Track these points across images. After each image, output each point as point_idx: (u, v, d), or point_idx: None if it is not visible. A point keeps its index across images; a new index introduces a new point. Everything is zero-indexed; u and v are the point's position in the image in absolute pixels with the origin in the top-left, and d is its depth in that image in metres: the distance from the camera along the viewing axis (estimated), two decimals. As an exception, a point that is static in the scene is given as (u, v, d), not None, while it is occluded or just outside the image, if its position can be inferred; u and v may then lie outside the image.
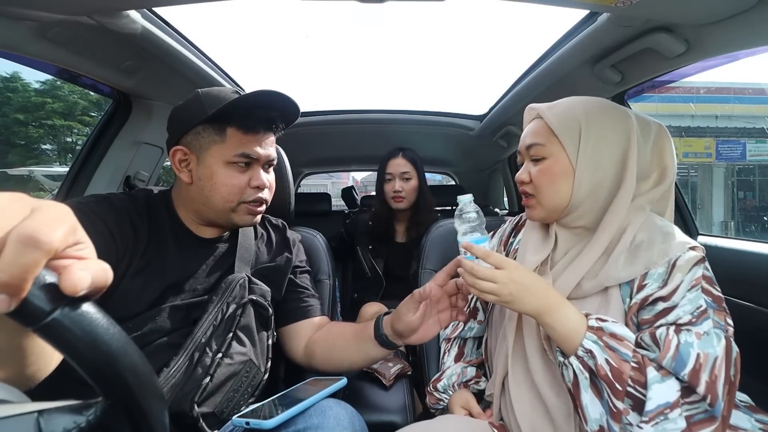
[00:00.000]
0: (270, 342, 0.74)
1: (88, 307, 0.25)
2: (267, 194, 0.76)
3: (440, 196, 2.12)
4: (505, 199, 2.34)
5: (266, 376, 0.71)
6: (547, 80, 1.17)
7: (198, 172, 0.70)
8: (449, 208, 2.17)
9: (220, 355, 0.64)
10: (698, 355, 0.50)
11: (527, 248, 0.70)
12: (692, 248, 0.57)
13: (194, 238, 0.74)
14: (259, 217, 0.76)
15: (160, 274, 0.66)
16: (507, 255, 0.79)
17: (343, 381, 0.67)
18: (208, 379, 0.62)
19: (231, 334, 0.66)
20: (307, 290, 0.84)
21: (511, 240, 0.81)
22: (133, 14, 0.82)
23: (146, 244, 0.67)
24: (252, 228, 0.82)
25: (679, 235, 0.60)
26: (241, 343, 0.67)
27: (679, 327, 0.53)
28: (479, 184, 2.44)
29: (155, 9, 0.89)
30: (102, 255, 0.27)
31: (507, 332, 0.67)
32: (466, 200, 0.65)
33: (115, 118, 1.18)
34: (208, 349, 0.64)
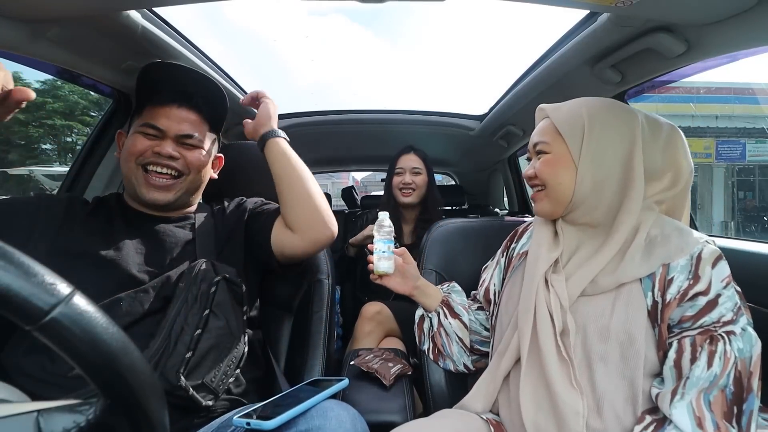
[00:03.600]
0: (245, 317, 0.75)
1: (87, 306, 0.25)
2: (177, 165, 0.76)
3: (440, 196, 2.12)
4: (505, 199, 2.34)
5: (246, 348, 0.72)
6: (547, 80, 1.17)
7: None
8: (449, 208, 2.18)
9: (199, 330, 0.65)
10: (745, 362, 0.53)
11: (541, 246, 0.70)
12: (707, 243, 0.59)
13: (144, 217, 0.77)
14: (168, 195, 0.76)
15: (116, 259, 0.69)
16: (510, 260, 0.82)
17: (345, 382, 0.67)
18: (190, 353, 0.63)
19: (207, 311, 0.68)
20: (269, 204, 0.89)
21: (512, 245, 0.83)
22: (133, 14, 0.82)
23: (90, 215, 0.73)
24: (209, 208, 0.86)
25: (693, 230, 0.61)
26: (217, 318, 0.69)
27: (727, 333, 0.54)
28: (479, 184, 2.44)
29: (155, 9, 0.89)
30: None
31: (522, 327, 0.67)
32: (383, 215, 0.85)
33: (115, 118, 1.17)
34: (185, 327, 0.65)
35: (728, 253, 1.03)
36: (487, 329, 0.86)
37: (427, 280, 1.05)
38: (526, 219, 1.24)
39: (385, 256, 0.83)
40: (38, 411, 0.24)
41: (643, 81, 1.02)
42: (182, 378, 0.61)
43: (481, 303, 0.89)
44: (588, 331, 0.61)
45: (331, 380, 0.67)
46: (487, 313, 0.87)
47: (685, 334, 0.56)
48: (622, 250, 0.62)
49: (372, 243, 0.85)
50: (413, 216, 1.55)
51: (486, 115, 1.73)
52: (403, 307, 1.33)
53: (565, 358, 0.61)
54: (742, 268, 0.94)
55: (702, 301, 0.55)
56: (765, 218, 9.76)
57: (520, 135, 1.69)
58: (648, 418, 0.56)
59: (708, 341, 0.54)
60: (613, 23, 0.83)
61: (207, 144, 0.81)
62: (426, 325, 0.89)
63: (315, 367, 0.84)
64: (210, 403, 0.64)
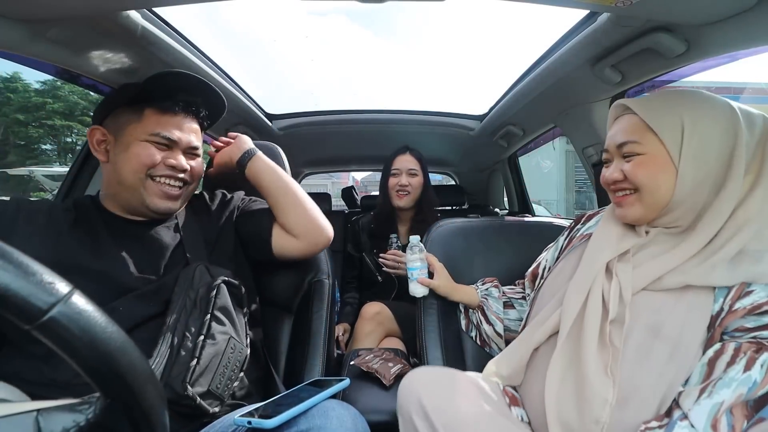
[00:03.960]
0: (246, 319, 0.75)
1: (85, 306, 0.25)
2: (186, 177, 0.75)
3: (440, 196, 2.12)
4: (505, 199, 2.34)
5: (248, 350, 0.72)
6: (547, 80, 1.17)
7: (114, 149, 0.71)
8: (449, 208, 2.18)
9: (202, 337, 0.64)
10: None
11: (609, 234, 0.66)
12: None
13: (126, 222, 0.74)
14: (176, 203, 0.75)
15: (108, 270, 0.67)
16: (570, 240, 0.81)
17: (346, 381, 0.67)
18: (194, 361, 0.62)
19: (209, 316, 0.67)
20: (261, 202, 0.88)
21: (578, 226, 0.81)
22: (133, 14, 0.82)
23: (73, 227, 0.69)
24: (189, 205, 0.83)
25: None
26: (220, 323, 0.68)
27: None
28: (479, 184, 2.44)
29: (155, 9, 0.89)
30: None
31: (568, 306, 0.65)
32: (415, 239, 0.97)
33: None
34: (187, 333, 0.64)
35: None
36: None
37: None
38: (526, 219, 1.24)
39: (417, 279, 0.95)
40: (38, 410, 0.24)
41: (643, 81, 1.02)
42: (189, 388, 0.60)
43: (522, 290, 0.92)
44: (639, 323, 0.58)
45: (332, 380, 0.67)
46: (528, 296, 0.89)
47: (733, 339, 0.52)
48: (704, 254, 0.57)
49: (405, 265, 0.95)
50: (409, 216, 1.55)
51: (486, 115, 1.73)
52: (403, 307, 1.33)
53: (606, 344, 0.59)
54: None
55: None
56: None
57: (520, 135, 1.69)
58: (655, 424, 0.53)
59: (754, 350, 0.49)
60: (613, 23, 0.83)
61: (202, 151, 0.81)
62: (472, 317, 0.96)
63: (315, 367, 0.84)
64: (216, 409, 0.64)
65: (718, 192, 0.58)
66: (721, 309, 0.54)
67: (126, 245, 0.71)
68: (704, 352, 0.54)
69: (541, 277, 0.82)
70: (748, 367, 0.48)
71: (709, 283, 0.55)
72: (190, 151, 0.76)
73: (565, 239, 0.82)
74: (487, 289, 0.95)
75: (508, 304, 0.92)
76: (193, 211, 0.84)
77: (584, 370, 0.59)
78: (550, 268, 0.80)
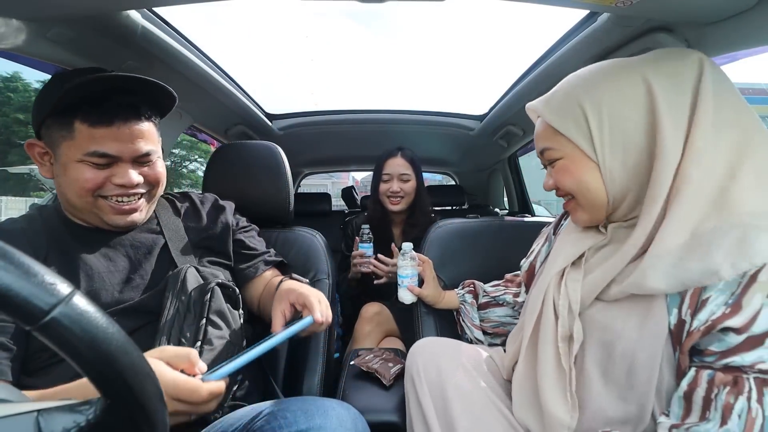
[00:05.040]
0: (242, 320, 0.72)
1: (86, 306, 0.25)
2: (141, 189, 0.67)
3: (440, 196, 2.11)
4: (505, 199, 2.34)
5: None
6: (547, 80, 1.17)
7: (55, 168, 0.64)
8: (449, 208, 2.18)
9: (199, 343, 0.62)
10: None
11: (566, 241, 0.61)
12: None
13: (98, 232, 0.68)
14: (137, 215, 0.68)
15: (92, 289, 0.63)
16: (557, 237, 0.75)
17: (309, 319, 0.63)
18: None
19: (204, 321, 0.64)
20: (255, 249, 0.83)
21: (563, 222, 0.76)
22: (133, 14, 0.81)
23: (47, 257, 0.63)
24: (169, 205, 0.79)
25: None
26: (216, 327, 0.65)
27: (761, 383, 0.40)
28: (479, 184, 2.44)
29: (155, 9, 0.89)
30: None
31: (524, 326, 0.63)
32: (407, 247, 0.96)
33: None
34: (183, 339, 0.62)
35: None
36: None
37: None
38: (526, 219, 1.24)
39: (407, 286, 0.96)
40: (38, 411, 0.24)
41: (643, 81, 1.02)
42: None
43: (507, 287, 0.91)
44: (593, 340, 0.53)
45: (296, 320, 0.64)
46: (517, 299, 0.89)
47: (706, 365, 0.44)
48: (643, 251, 0.48)
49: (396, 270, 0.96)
50: (402, 219, 1.51)
51: (486, 115, 1.73)
52: (403, 307, 1.33)
53: (563, 367, 0.54)
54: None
55: (737, 338, 0.41)
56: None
57: (520, 135, 1.69)
58: None
59: (730, 385, 0.41)
60: (613, 23, 0.83)
61: (160, 148, 0.71)
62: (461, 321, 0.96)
63: (315, 366, 0.84)
64: (217, 416, 0.62)
65: (650, 173, 0.49)
66: (681, 320, 0.45)
67: (106, 257, 0.66)
68: (677, 376, 0.46)
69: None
70: (724, 421, 0.40)
71: (651, 290, 0.46)
72: (142, 159, 0.66)
73: (554, 235, 0.78)
74: (462, 295, 0.95)
75: (493, 304, 0.91)
76: (177, 210, 0.79)
77: (542, 396, 0.55)
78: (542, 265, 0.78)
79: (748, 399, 0.40)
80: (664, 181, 0.47)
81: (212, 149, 1.62)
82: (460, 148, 2.13)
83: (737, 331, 0.41)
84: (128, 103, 0.64)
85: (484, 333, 0.91)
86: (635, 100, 0.50)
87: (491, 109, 1.66)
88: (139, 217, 0.69)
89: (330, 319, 0.66)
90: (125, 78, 0.61)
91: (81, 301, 0.24)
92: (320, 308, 0.65)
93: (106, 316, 0.26)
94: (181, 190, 0.91)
